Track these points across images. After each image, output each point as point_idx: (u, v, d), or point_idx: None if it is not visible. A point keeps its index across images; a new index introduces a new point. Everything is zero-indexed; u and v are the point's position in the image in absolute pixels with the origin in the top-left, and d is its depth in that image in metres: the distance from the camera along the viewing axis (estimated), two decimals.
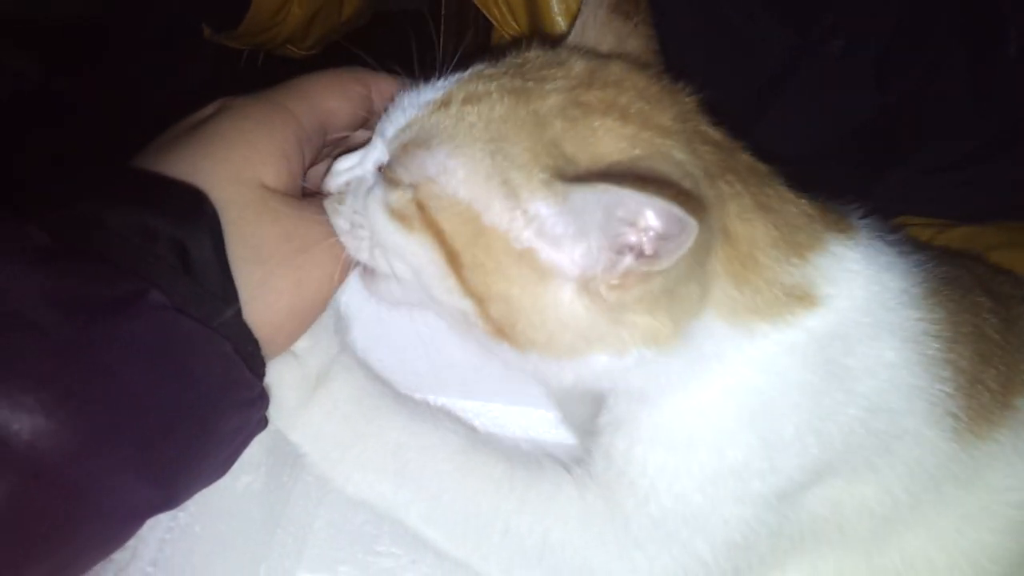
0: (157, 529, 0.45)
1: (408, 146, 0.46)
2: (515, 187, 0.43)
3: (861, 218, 0.52)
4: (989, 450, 0.51)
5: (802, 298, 0.46)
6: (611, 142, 0.44)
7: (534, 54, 0.51)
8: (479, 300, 0.44)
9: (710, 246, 0.44)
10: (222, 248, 0.42)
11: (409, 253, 0.46)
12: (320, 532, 0.61)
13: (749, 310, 0.45)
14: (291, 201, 0.47)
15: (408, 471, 0.53)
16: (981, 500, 0.52)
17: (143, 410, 0.37)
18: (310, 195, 0.50)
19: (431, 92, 0.48)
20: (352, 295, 0.55)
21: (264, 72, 1.10)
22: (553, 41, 0.53)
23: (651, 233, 0.39)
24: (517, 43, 0.52)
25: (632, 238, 0.40)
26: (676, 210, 0.37)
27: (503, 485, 0.52)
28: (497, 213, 0.43)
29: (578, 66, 0.48)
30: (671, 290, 0.42)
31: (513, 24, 0.85)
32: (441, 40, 0.52)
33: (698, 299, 0.44)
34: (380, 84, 0.54)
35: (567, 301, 0.43)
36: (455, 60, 0.50)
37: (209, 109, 0.49)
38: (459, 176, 0.44)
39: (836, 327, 0.47)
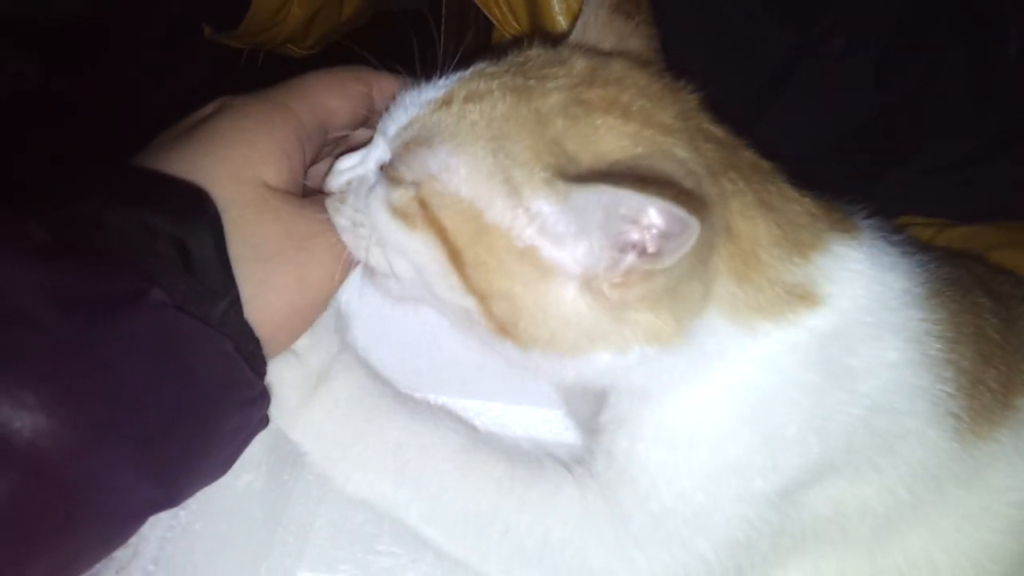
0: (158, 527, 0.45)
1: (410, 144, 0.46)
2: (517, 185, 0.43)
3: (864, 218, 0.52)
4: (990, 450, 0.51)
5: (804, 297, 0.46)
6: (613, 140, 0.43)
7: (535, 52, 0.50)
8: (481, 298, 0.44)
9: (712, 244, 0.44)
10: (223, 246, 0.42)
11: (411, 251, 0.46)
12: (321, 531, 0.62)
13: (751, 308, 0.45)
14: (292, 200, 0.47)
15: (408, 470, 0.53)
16: (982, 500, 0.52)
17: (144, 408, 0.37)
18: (311, 194, 0.50)
19: (432, 91, 0.48)
20: (353, 294, 0.55)
21: (264, 72, 1.10)
22: (554, 40, 0.53)
23: (653, 231, 0.39)
24: (518, 42, 0.52)
25: (635, 236, 0.40)
26: (678, 209, 0.37)
27: (503, 484, 0.52)
28: (499, 211, 0.43)
29: (579, 64, 0.48)
30: (673, 288, 0.42)
31: (514, 24, 0.85)
32: (442, 40, 0.52)
33: (700, 297, 0.44)
34: (381, 83, 0.54)
35: (569, 299, 0.43)
36: (456, 59, 0.50)
37: (209, 108, 0.49)
38: (461, 174, 0.44)
39: (838, 327, 0.47)
